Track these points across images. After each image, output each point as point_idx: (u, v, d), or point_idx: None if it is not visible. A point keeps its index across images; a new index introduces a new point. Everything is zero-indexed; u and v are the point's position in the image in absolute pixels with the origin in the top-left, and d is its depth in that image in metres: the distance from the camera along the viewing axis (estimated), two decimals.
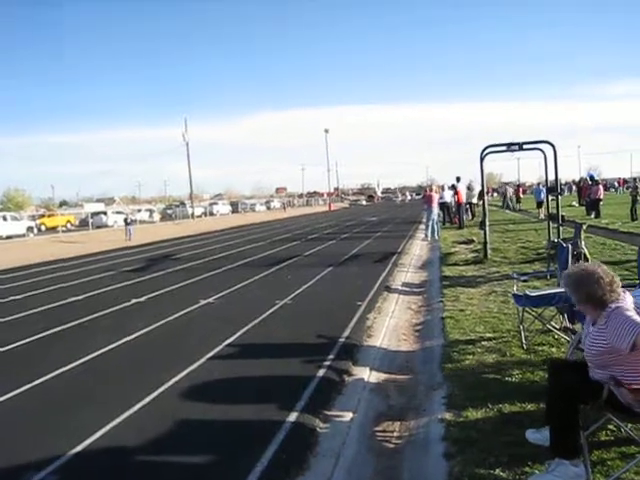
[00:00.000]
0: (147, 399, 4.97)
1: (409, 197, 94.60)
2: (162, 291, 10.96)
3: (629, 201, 22.33)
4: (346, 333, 6.93)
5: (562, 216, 11.53)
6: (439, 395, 4.67)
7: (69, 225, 44.13)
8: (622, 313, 3.03)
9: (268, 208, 74.19)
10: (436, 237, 18.91)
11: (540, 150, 12.10)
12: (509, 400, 4.21)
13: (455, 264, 12.00)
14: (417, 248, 17.10)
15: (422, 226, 25.62)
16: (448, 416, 4.16)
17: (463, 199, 23.27)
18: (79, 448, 4.06)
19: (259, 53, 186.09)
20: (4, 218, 34.86)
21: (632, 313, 3.03)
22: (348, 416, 4.54)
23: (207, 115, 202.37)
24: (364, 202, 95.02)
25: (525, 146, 11.85)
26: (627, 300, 3.16)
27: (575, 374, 3.32)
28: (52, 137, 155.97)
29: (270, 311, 8.45)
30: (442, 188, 25.03)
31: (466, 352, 5.62)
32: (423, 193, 24.38)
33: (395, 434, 4.24)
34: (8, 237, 32.33)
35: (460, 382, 4.79)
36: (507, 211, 35.05)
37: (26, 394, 5.32)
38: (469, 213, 26.80)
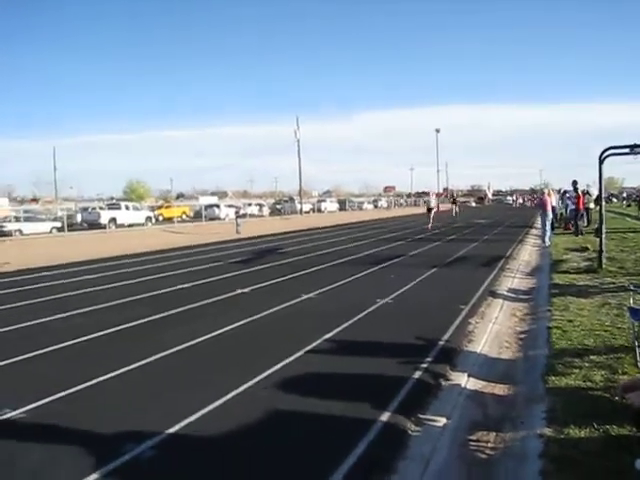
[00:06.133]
0: (244, 386, 5.13)
1: (521, 200, 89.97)
2: (266, 283, 11.26)
3: None
4: (446, 336, 6.79)
5: None
6: (539, 409, 4.44)
7: (184, 216, 46.49)
8: None
9: (375, 207, 73.96)
10: (547, 243, 18.07)
11: None
12: (618, 422, 3.91)
13: (566, 272, 11.37)
14: (526, 253, 16.42)
15: (534, 231, 24.62)
16: (548, 432, 3.94)
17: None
18: (176, 427, 4.29)
19: (371, 50, 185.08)
20: (127, 207, 37.56)
21: None
22: (441, 421, 4.44)
23: (318, 113, 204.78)
24: (473, 204, 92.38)
25: None
26: None
27: None
28: (172, 132, 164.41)
29: (370, 309, 8.44)
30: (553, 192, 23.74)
31: (572, 365, 5.30)
32: (538, 197, 23.24)
33: (489, 445, 4.09)
34: (129, 225, 34.82)
35: (564, 397, 4.53)
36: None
37: (131, 373, 5.67)
38: (584, 219, 25.36)
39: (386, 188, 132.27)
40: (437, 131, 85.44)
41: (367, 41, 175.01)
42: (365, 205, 72.60)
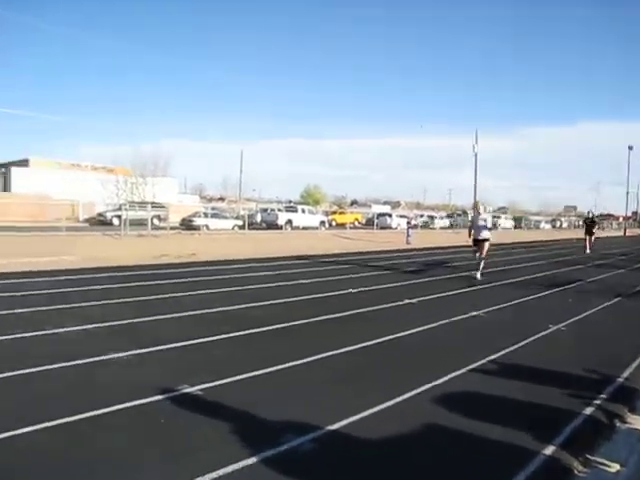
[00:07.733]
0: (406, 395, 5.15)
1: None
2: (434, 296, 11.14)
3: None
4: (625, 374, 6.20)
5: None
6: None
7: (356, 223, 47.64)
8: None
9: (554, 227, 69.54)
10: None
11: None
12: None
13: None
14: None
15: None
16: None
17: None
18: (337, 425, 4.40)
19: (551, 65, 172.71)
20: (303, 211, 39.67)
21: None
22: (614, 467, 4.05)
23: (496, 127, 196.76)
24: None
25: None
26: None
27: None
28: (351, 141, 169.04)
29: (540, 334, 7.97)
30: None
31: None
32: None
33: None
34: (304, 228, 36.61)
35: None
36: None
37: (299, 367, 5.94)
38: None
39: (566, 208, 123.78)
40: (630, 148, 77.68)
41: (545, 55, 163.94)
42: (542, 224, 68.57)
